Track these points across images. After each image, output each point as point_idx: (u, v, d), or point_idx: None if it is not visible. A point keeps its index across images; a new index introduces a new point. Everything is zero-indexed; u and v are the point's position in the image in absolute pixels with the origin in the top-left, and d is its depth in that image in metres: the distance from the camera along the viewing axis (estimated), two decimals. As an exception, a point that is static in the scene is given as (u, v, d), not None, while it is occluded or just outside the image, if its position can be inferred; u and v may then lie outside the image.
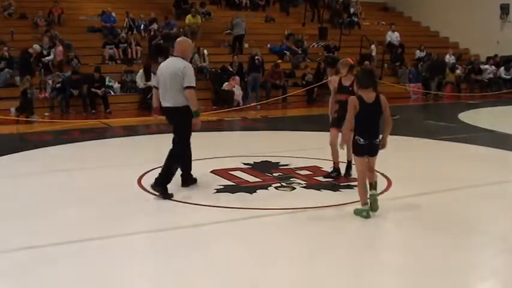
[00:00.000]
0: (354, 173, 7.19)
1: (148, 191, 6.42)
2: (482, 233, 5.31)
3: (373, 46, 19.89)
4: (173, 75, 6.16)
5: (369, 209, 5.48)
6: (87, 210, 5.79)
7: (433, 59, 19.86)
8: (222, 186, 6.64)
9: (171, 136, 6.37)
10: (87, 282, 4.06)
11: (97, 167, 7.77)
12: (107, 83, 14.98)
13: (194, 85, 6.21)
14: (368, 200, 5.49)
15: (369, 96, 5.44)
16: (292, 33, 19.83)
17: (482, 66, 20.54)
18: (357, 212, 5.57)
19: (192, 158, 8.05)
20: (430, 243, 4.90)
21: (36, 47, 15.54)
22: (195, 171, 7.13)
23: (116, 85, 15.48)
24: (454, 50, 21.81)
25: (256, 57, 16.58)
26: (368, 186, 5.54)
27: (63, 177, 7.23)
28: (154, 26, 17.87)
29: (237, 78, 15.90)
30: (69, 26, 17.61)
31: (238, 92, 15.62)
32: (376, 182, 5.61)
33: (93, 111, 14.21)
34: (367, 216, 5.44)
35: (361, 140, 5.45)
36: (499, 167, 7.98)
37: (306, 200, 6.11)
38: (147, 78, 14.98)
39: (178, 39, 6.61)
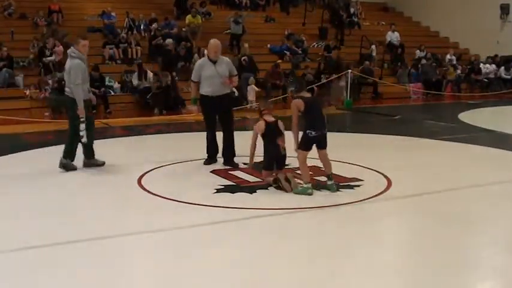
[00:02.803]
0: (350, 172, 7.21)
1: (148, 191, 6.43)
2: (482, 233, 5.31)
3: (373, 46, 19.88)
4: None
5: (312, 187, 6.22)
6: (87, 211, 5.79)
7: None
8: (222, 186, 6.64)
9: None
10: (87, 282, 4.06)
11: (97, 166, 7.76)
12: (106, 83, 14.97)
13: (192, 78, 7.76)
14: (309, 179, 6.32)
15: (307, 94, 6.40)
16: (292, 33, 19.83)
17: (482, 66, 20.56)
18: (302, 191, 6.18)
19: (192, 158, 8.09)
20: (430, 243, 4.91)
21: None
22: (195, 172, 7.13)
23: (116, 85, 15.48)
24: (454, 50, 21.80)
25: (243, 58, 16.55)
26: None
27: (63, 178, 7.22)
28: (155, 26, 17.87)
29: (252, 78, 15.77)
30: (69, 26, 17.60)
31: (252, 92, 15.51)
32: (332, 174, 6.38)
33: (94, 111, 14.17)
34: (312, 194, 6.16)
35: (313, 132, 6.17)
36: (499, 167, 7.97)
37: (305, 200, 6.11)
38: (140, 78, 15.01)
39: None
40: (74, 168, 7.41)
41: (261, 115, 6.85)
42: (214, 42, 7.75)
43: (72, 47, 7.58)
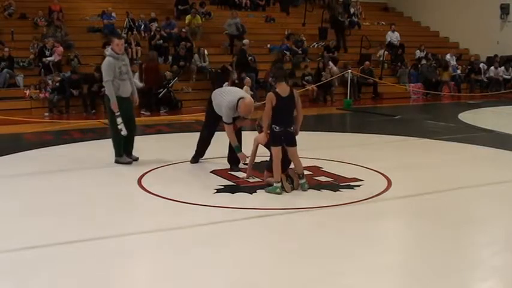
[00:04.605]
0: (350, 172, 7.21)
1: (148, 191, 6.43)
2: (482, 233, 5.31)
3: (381, 51, 19.76)
4: None
5: (281, 186, 6.24)
6: (86, 211, 5.79)
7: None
8: (222, 186, 6.64)
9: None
10: (87, 282, 4.06)
11: (97, 167, 7.77)
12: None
13: (226, 121, 7.24)
14: (280, 179, 6.28)
15: (283, 90, 6.25)
16: (292, 33, 19.83)
17: (481, 65, 20.58)
18: (271, 190, 6.23)
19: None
20: (430, 243, 4.90)
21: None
22: (195, 172, 7.11)
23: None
24: (454, 50, 21.80)
25: (250, 58, 16.50)
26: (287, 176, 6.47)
27: (63, 178, 7.23)
28: (155, 25, 17.86)
29: (248, 79, 15.72)
30: (69, 26, 17.62)
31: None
32: (303, 173, 6.43)
33: (93, 111, 14.22)
34: (281, 193, 6.19)
35: (277, 127, 6.23)
36: (499, 167, 7.98)
37: (306, 200, 6.11)
38: (140, 78, 15.02)
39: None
40: (129, 162, 7.81)
41: (261, 131, 6.85)
42: (250, 102, 7.27)
43: (109, 47, 7.89)
